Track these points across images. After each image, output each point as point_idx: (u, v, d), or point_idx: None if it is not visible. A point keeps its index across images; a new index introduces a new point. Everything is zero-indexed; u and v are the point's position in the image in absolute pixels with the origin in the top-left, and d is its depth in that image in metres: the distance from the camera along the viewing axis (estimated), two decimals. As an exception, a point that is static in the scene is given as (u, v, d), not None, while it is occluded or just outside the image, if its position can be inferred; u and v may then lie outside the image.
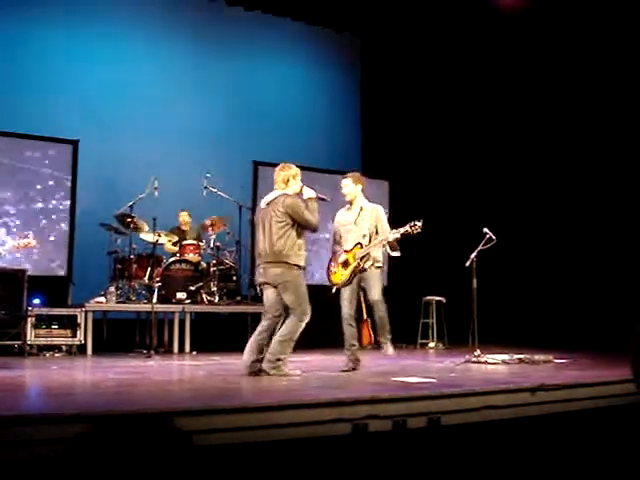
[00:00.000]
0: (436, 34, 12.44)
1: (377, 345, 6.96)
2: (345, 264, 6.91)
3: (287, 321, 6.40)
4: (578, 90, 11.08)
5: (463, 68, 12.55)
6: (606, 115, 10.74)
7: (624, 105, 10.51)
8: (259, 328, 6.54)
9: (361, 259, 6.81)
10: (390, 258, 7.28)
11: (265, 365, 6.32)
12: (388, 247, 6.92)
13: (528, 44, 11.59)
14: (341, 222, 7.08)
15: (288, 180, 6.51)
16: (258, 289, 6.87)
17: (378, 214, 6.99)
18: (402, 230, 6.80)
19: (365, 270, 6.82)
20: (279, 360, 6.31)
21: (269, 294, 6.46)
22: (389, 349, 6.81)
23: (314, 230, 6.59)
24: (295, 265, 6.36)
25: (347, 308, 6.89)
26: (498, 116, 12.25)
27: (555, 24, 11.16)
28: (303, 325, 6.39)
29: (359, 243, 6.86)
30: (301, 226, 6.40)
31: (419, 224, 6.76)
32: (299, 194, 6.53)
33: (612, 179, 10.59)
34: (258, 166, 11.49)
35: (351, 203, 7.04)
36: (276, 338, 6.35)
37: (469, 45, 12.32)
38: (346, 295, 6.92)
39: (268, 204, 6.49)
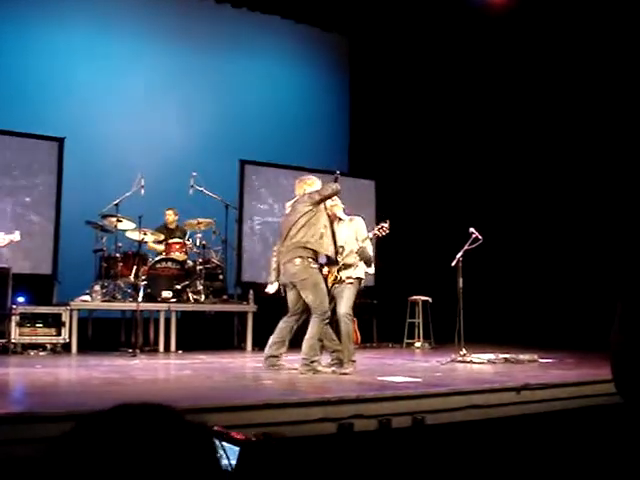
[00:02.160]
0: (423, 33, 12.45)
1: (336, 360, 6.90)
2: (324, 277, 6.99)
3: (311, 322, 6.61)
4: (563, 90, 11.14)
5: (451, 67, 12.57)
6: (592, 114, 10.79)
7: (609, 106, 10.57)
8: (279, 325, 6.84)
9: (338, 271, 6.91)
10: (376, 253, 7.32)
11: (300, 368, 6.55)
12: (363, 262, 6.98)
13: (515, 43, 11.63)
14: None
15: (304, 190, 6.90)
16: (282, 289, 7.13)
17: (357, 226, 7.13)
18: (370, 234, 6.97)
19: (343, 281, 6.92)
20: (313, 362, 6.54)
21: (291, 294, 6.78)
22: (348, 368, 6.73)
23: (335, 192, 6.82)
24: (308, 264, 6.57)
25: None
26: (485, 116, 12.28)
27: (544, 23, 11.21)
28: (326, 322, 6.62)
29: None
30: (325, 200, 6.75)
31: (386, 225, 7.00)
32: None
33: (598, 178, 10.63)
34: (245, 165, 11.45)
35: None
36: (305, 341, 6.58)
37: (457, 44, 12.35)
38: None
39: (291, 206, 6.90)
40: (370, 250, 7.10)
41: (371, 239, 7.11)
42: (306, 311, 6.74)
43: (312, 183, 6.92)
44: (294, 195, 7.01)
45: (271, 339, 6.81)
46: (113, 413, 0.95)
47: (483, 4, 11.27)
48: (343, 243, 6.97)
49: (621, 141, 10.40)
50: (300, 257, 6.60)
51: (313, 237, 6.62)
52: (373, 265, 7.18)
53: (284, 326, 6.77)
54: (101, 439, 0.91)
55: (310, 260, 6.62)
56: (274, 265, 7.19)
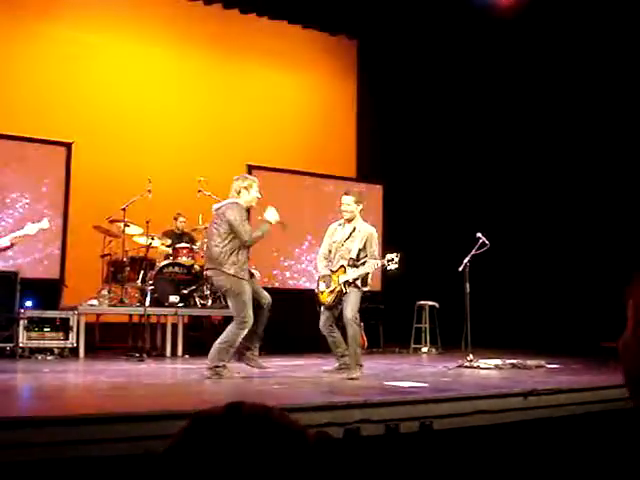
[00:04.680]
0: (432, 37, 12.45)
1: (344, 365, 6.91)
2: (331, 287, 6.96)
3: (227, 328, 6.51)
4: (572, 97, 11.12)
5: (459, 72, 12.57)
6: (599, 123, 10.78)
7: (619, 112, 10.55)
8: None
9: (343, 284, 6.86)
10: (384, 257, 7.28)
11: (205, 372, 6.39)
12: (360, 282, 6.93)
13: (525, 49, 11.63)
14: (334, 238, 7.12)
15: (240, 191, 6.64)
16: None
17: (370, 237, 6.99)
18: (379, 263, 6.96)
19: (347, 292, 6.88)
20: (217, 367, 6.36)
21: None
22: (355, 373, 6.69)
23: (245, 244, 6.60)
24: (231, 275, 6.46)
25: (322, 323, 7.01)
26: (493, 121, 12.27)
27: (550, 29, 11.20)
28: (243, 333, 6.46)
29: (342, 266, 6.91)
30: (236, 236, 6.50)
31: (396, 259, 6.87)
32: (251, 206, 6.77)
33: (607, 183, 10.62)
34: (252, 170, 11.45)
35: (349, 221, 7.04)
36: (215, 345, 6.42)
37: (466, 48, 12.34)
38: (324, 311, 7.03)
39: (216, 210, 6.67)
40: (371, 268, 7.05)
41: (378, 267, 7.10)
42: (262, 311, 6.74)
43: (249, 186, 6.65)
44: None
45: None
46: (227, 413, 0.97)
47: (490, 5, 11.26)
48: (354, 256, 6.90)
49: (629, 150, 10.38)
50: (221, 270, 6.49)
51: (230, 258, 6.47)
52: (368, 286, 7.10)
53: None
54: (216, 438, 0.93)
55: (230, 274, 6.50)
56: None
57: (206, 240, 6.95)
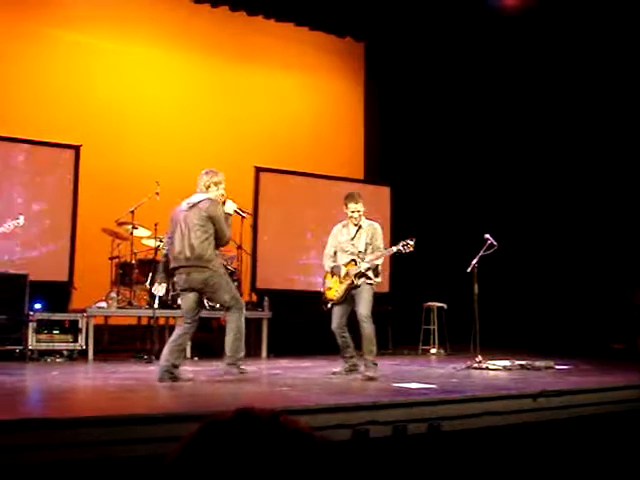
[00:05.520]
0: (439, 40, 12.45)
1: (353, 366, 6.95)
2: (340, 281, 6.95)
3: (231, 319, 6.44)
4: (579, 98, 11.10)
5: (466, 73, 12.56)
6: (612, 123, 10.74)
7: (625, 114, 10.52)
8: (178, 332, 6.51)
9: (355, 276, 6.85)
10: (392, 259, 7.31)
11: (226, 366, 6.41)
12: (371, 272, 6.93)
13: (532, 52, 11.61)
14: (339, 239, 7.15)
15: (209, 186, 6.54)
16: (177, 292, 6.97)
17: (375, 231, 7.08)
18: (394, 249, 6.94)
19: (358, 286, 6.88)
20: (239, 359, 6.41)
21: (190, 298, 6.45)
22: (371, 371, 6.70)
23: (225, 243, 6.65)
24: (216, 269, 6.41)
25: (336, 323, 7.01)
26: (501, 122, 12.26)
27: (556, 30, 11.18)
28: (243, 317, 6.49)
29: (353, 260, 6.93)
30: (216, 235, 6.40)
31: (411, 243, 6.89)
32: (222, 203, 6.61)
33: (618, 186, 10.59)
34: (260, 172, 11.47)
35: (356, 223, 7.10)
36: (230, 338, 6.39)
37: (473, 50, 12.33)
38: (336, 310, 7.02)
39: (191, 207, 6.47)
40: (381, 260, 7.09)
41: (395, 253, 7.12)
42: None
43: (218, 182, 6.55)
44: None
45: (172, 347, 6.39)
46: (236, 418, 0.98)
47: (502, 5, 11.26)
48: (362, 249, 6.96)
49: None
50: (208, 267, 6.34)
51: (215, 253, 6.41)
52: (380, 276, 7.15)
53: (184, 333, 6.49)
54: (226, 443, 0.94)
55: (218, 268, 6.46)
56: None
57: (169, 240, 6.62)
